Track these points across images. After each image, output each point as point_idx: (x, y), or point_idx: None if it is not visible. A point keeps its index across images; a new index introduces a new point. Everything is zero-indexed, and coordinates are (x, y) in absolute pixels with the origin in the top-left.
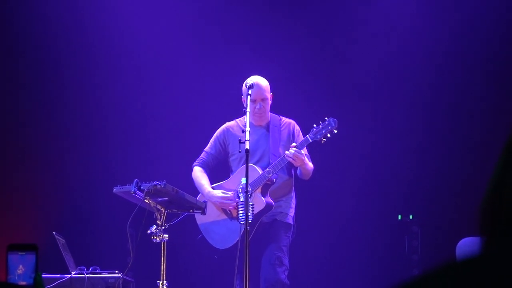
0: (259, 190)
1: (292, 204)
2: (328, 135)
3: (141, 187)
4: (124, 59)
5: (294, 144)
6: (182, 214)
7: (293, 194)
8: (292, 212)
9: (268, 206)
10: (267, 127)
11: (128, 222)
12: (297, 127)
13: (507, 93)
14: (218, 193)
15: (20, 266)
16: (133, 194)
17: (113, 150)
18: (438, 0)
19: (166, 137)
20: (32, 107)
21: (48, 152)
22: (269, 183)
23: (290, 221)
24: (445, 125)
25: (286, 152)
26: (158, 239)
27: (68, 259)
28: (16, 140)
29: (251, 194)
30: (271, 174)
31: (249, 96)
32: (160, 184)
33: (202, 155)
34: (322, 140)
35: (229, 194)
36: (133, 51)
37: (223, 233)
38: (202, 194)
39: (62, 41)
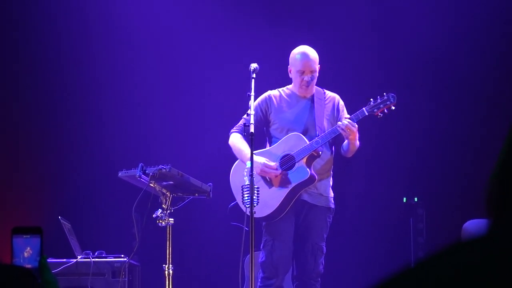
0: (304, 160)
1: (331, 183)
2: (385, 111)
3: (146, 171)
4: (129, 45)
5: (347, 116)
6: (188, 198)
7: (332, 173)
8: (332, 193)
9: (311, 178)
10: (312, 99)
11: (134, 206)
12: (341, 102)
13: None
14: (261, 160)
15: (28, 248)
16: (139, 178)
17: (118, 134)
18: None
19: (171, 121)
20: (38, 92)
21: (54, 137)
22: (315, 154)
23: (332, 204)
24: (450, 107)
25: (339, 123)
26: (163, 223)
27: (74, 243)
28: (21, 125)
29: (294, 163)
30: (319, 145)
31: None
32: (165, 168)
33: (241, 122)
34: (378, 114)
35: (273, 164)
36: (137, 37)
37: (261, 200)
38: (242, 160)
39: (66, 30)
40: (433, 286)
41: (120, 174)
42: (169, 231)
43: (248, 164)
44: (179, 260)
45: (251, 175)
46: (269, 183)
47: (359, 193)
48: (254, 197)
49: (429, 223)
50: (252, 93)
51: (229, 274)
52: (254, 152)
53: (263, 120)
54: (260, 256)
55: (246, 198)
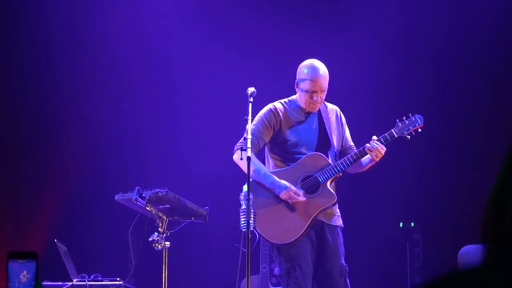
0: (329, 182)
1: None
2: (413, 133)
3: (143, 195)
4: (127, 66)
5: (375, 137)
6: (184, 222)
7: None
8: (339, 212)
9: (336, 202)
10: (319, 114)
11: (130, 230)
12: (342, 114)
13: (510, 100)
14: (284, 183)
15: (24, 272)
16: (135, 202)
17: (115, 158)
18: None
19: (168, 145)
20: (33, 113)
21: (50, 159)
22: (338, 176)
23: (341, 222)
24: (446, 132)
25: (368, 144)
26: (159, 246)
27: (70, 266)
28: (17, 147)
29: (319, 185)
30: (346, 166)
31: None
32: (161, 192)
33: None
34: (407, 137)
35: (299, 192)
36: (135, 56)
37: (283, 226)
38: (261, 181)
39: (63, 47)
40: None
41: (116, 197)
42: (165, 254)
43: (281, 183)
44: (174, 283)
45: (248, 200)
46: (291, 206)
47: (356, 217)
48: (251, 221)
49: (425, 248)
50: (250, 117)
51: None
52: (272, 171)
53: (269, 135)
54: (283, 284)
55: (243, 222)
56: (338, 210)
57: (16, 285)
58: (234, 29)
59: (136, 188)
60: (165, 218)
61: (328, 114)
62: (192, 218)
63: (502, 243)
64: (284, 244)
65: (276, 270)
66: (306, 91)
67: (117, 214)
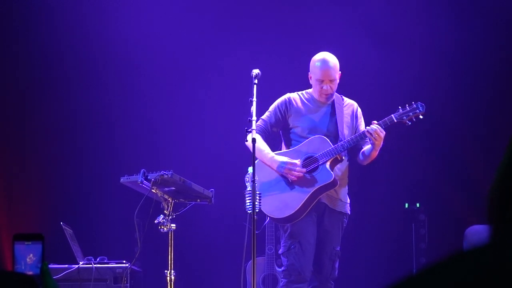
0: (328, 163)
1: (347, 191)
2: (414, 119)
3: (148, 177)
4: (132, 50)
5: (375, 121)
6: (189, 204)
7: (347, 181)
8: (348, 199)
9: (333, 182)
10: (332, 105)
11: (136, 212)
12: (359, 109)
13: None
14: (283, 158)
15: (31, 255)
16: (140, 184)
17: (120, 140)
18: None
19: (173, 127)
20: (40, 97)
21: (55, 143)
22: (339, 158)
23: (349, 211)
24: (452, 113)
25: (368, 127)
26: (165, 228)
27: (76, 249)
28: (22, 130)
29: (318, 165)
30: (345, 149)
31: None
32: (167, 174)
33: (260, 122)
34: (407, 122)
35: (296, 161)
36: (140, 43)
37: (282, 201)
38: (262, 159)
39: (70, 34)
40: None
41: (122, 179)
42: (171, 237)
43: (278, 159)
44: (180, 265)
45: (253, 181)
46: (290, 184)
47: (361, 199)
48: (256, 203)
49: (431, 229)
50: (254, 98)
51: (230, 280)
52: (276, 152)
53: (281, 122)
54: (283, 261)
55: (248, 204)
56: (347, 196)
57: (23, 267)
58: (240, 11)
59: (142, 170)
60: (170, 200)
61: (342, 106)
62: (198, 200)
63: (508, 223)
64: (282, 218)
65: (280, 249)
66: (316, 81)
67: (123, 197)
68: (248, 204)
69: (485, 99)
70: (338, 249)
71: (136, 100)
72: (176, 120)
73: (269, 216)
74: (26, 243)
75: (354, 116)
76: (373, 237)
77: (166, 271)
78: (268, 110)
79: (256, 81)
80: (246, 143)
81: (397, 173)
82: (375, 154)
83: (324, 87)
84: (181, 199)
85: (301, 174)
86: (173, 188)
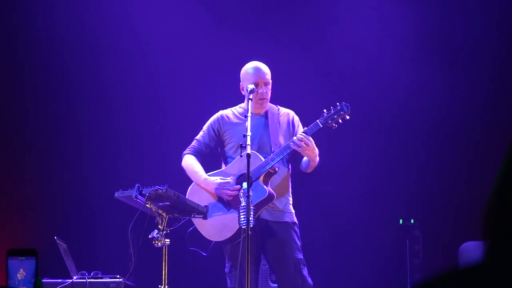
0: (261, 178)
1: (291, 200)
2: (340, 121)
3: (143, 192)
4: (127, 64)
5: (303, 129)
6: (184, 219)
7: (290, 189)
8: (292, 209)
9: (270, 196)
10: (266, 116)
11: (130, 227)
12: (296, 117)
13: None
14: (216, 179)
15: (21, 270)
16: (135, 199)
17: (115, 155)
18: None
19: (168, 142)
20: (34, 110)
21: (50, 157)
22: (272, 171)
23: (295, 219)
24: (447, 128)
25: (294, 138)
26: (159, 243)
27: (70, 263)
28: (17, 144)
29: (252, 182)
30: (275, 162)
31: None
32: (161, 189)
33: (194, 143)
34: (333, 125)
35: (228, 179)
36: (136, 55)
37: (220, 223)
38: (197, 182)
39: (64, 44)
40: None
41: (116, 194)
42: (165, 251)
43: (211, 180)
44: (174, 281)
45: (247, 196)
46: (227, 204)
47: (356, 214)
48: (250, 218)
49: (425, 245)
50: (249, 114)
51: None
52: (209, 173)
53: (216, 140)
54: (227, 281)
55: (243, 219)
56: (290, 207)
57: (16, 283)
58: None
59: (136, 185)
60: (165, 215)
61: (277, 116)
62: (192, 215)
63: (502, 241)
64: (223, 241)
65: (225, 268)
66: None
67: (117, 212)
68: (243, 219)
69: (481, 114)
70: (301, 257)
71: (131, 115)
72: (172, 135)
73: (209, 240)
74: (19, 258)
75: (290, 125)
76: (368, 253)
77: (160, 286)
78: (202, 130)
79: (251, 96)
80: (183, 164)
81: (392, 188)
82: (312, 162)
83: (259, 91)
84: (175, 214)
85: (236, 193)
86: (168, 203)
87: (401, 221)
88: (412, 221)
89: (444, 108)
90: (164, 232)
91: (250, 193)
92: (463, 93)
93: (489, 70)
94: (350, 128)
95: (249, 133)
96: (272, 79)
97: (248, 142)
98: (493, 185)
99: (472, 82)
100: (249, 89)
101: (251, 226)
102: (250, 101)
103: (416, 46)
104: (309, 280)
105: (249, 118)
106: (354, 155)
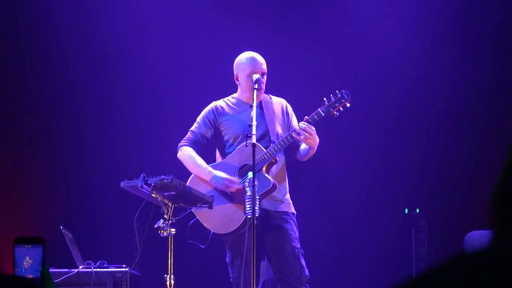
0: (264, 168)
1: (287, 188)
2: (341, 109)
3: (148, 182)
4: (131, 56)
5: (295, 120)
6: (189, 208)
7: (287, 178)
8: (290, 199)
9: (273, 187)
10: (260, 105)
11: (135, 217)
12: (289, 106)
13: None
14: (222, 174)
15: (27, 258)
16: (140, 189)
17: (120, 144)
18: None
19: (174, 131)
20: (39, 100)
21: (55, 146)
22: (274, 161)
23: (293, 209)
24: (452, 117)
25: (296, 127)
26: (165, 233)
27: (76, 253)
28: (23, 134)
29: (256, 174)
30: (278, 152)
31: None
32: (167, 179)
33: (189, 134)
34: (335, 114)
35: (234, 178)
36: (142, 47)
37: (225, 215)
38: (200, 174)
39: (69, 35)
40: None
41: (122, 184)
42: (170, 241)
43: (217, 175)
44: (180, 270)
45: (253, 186)
46: (230, 196)
47: (361, 204)
48: (256, 208)
49: (431, 234)
50: (254, 104)
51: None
52: (210, 165)
53: (211, 131)
54: (230, 272)
55: (248, 208)
56: (288, 197)
57: (23, 271)
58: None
59: (142, 175)
60: (170, 205)
61: (271, 105)
62: (198, 205)
63: (509, 228)
64: (228, 233)
65: (226, 258)
66: (247, 77)
67: (123, 201)
68: (248, 208)
69: (486, 104)
70: (299, 246)
71: (137, 105)
72: (177, 124)
73: (215, 233)
74: (26, 246)
75: (284, 114)
76: (373, 243)
77: (165, 275)
78: (196, 121)
79: (256, 86)
80: (179, 156)
81: (397, 178)
82: (313, 152)
83: (254, 75)
84: (181, 204)
85: (240, 188)
86: (173, 193)
87: (406, 211)
88: (417, 210)
89: (451, 96)
90: (170, 221)
91: (256, 182)
92: (469, 82)
93: (498, 57)
94: (355, 117)
95: (254, 122)
96: (273, 68)
97: (254, 132)
98: (499, 173)
99: (479, 71)
100: (254, 79)
101: (257, 216)
102: (255, 90)
103: (421, 32)
104: (306, 270)
105: (254, 108)
106: (359, 144)
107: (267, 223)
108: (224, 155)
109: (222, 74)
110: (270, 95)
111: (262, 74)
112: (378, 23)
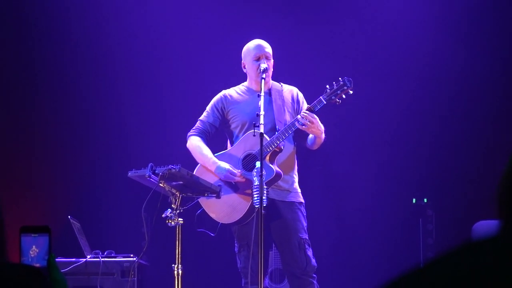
0: (267, 158)
1: (297, 178)
2: (344, 96)
3: (156, 171)
4: (139, 46)
5: (308, 105)
6: (197, 198)
7: (296, 167)
8: (299, 188)
9: (277, 175)
10: (269, 93)
11: (143, 206)
12: (300, 94)
13: None
14: (225, 165)
15: (33, 247)
16: (148, 178)
17: (128, 134)
18: None
19: (181, 121)
20: (48, 91)
21: (64, 136)
22: (278, 150)
23: (301, 199)
24: (461, 107)
25: (298, 116)
26: (173, 222)
27: (83, 243)
28: (31, 124)
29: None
30: (280, 141)
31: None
32: (174, 168)
33: (198, 124)
34: (337, 101)
35: (237, 171)
36: (149, 39)
37: (230, 205)
38: (205, 164)
39: (77, 28)
40: (443, 286)
41: (129, 174)
42: (178, 231)
43: (220, 165)
44: (188, 260)
45: (261, 175)
46: (234, 186)
47: (369, 194)
48: (264, 197)
49: (438, 224)
50: (262, 93)
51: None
52: (216, 154)
53: (220, 120)
54: (237, 261)
55: (256, 198)
56: (296, 186)
57: (29, 259)
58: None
59: (149, 164)
60: (178, 195)
61: (281, 93)
62: (206, 195)
63: None
64: (233, 223)
65: (235, 247)
66: (253, 62)
67: (131, 191)
68: (256, 198)
69: (495, 94)
70: (306, 237)
71: (145, 95)
72: (184, 114)
73: (219, 222)
74: (33, 235)
75: (295, 101)
76: (381, 232)
77: (173, 265)
78: (206, 110)
79: (264, 75)
80: (188, 145)
81: (405, 168)
82: (318, 139)
83: (261, 64)
84: (188, 193)
85: (243, 180)
86: (181, 182)
87: (414, 201)
88: (425, 200)
89: (459, 87)
90: (178, 211)
91: (264, 172)
92: (478, 73)
93: (507, 49)
94: (363, 107)
95: (262, 112)
96: (279, 55)
97: (261, 121)
98: (507, 162)
99: (489, 63)
100: (262, 68)
101: (264, 205)
102: (263, 80)
103: (433, 21)
104: (313, 261)
105: (262, 98)
106: (367, 134)
107: (274, 213)
108: (232, 143)
109: (232, 64)
110: (282, 83)
111: (267, 58)
112: (389, 9)
